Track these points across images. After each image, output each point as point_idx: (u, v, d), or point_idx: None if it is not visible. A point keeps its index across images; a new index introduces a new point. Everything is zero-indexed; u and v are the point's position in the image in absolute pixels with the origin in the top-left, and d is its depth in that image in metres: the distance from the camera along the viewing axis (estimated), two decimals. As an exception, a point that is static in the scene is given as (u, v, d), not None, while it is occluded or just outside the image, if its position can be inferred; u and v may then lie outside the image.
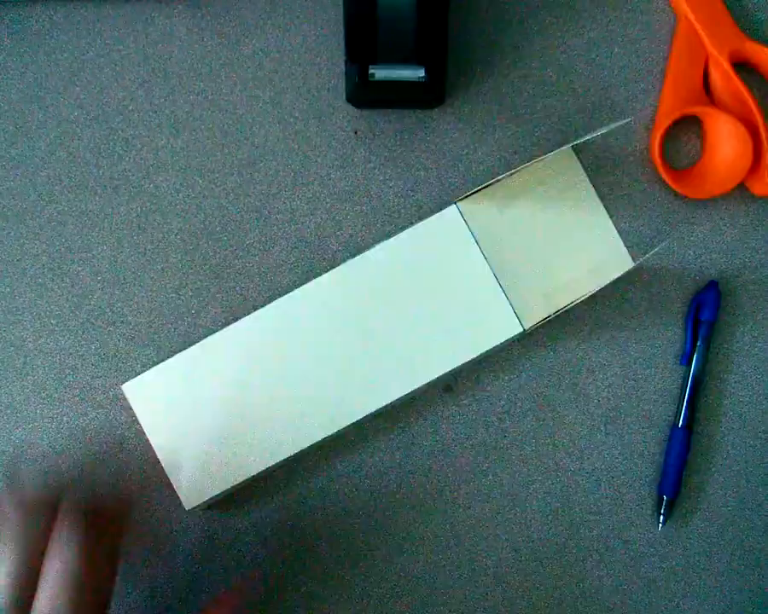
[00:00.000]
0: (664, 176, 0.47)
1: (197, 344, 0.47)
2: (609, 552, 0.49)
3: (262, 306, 0.47)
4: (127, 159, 0.48)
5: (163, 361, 0.47)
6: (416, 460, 0.49)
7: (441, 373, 0.46)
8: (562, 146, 0.48)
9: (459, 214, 0.47)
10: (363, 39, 0.42)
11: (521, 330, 0.46)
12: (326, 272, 0.47)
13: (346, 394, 0.47)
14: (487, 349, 0.46)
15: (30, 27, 0.48)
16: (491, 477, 0.49)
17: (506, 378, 0.49)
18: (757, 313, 0.49)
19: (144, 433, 0.48)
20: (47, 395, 0.49)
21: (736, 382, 0.49)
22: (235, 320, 0.48)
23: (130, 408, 0.48)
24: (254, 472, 0.47)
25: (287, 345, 0.47)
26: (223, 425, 0.47)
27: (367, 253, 0.47)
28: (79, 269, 0.48)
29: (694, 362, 0.48)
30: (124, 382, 0.48)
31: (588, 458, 0.49)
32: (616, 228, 0.48)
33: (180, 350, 0.47)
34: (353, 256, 0.47)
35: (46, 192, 0.48)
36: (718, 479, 0.49)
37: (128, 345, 0.48)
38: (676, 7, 0.47)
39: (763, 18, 0.48)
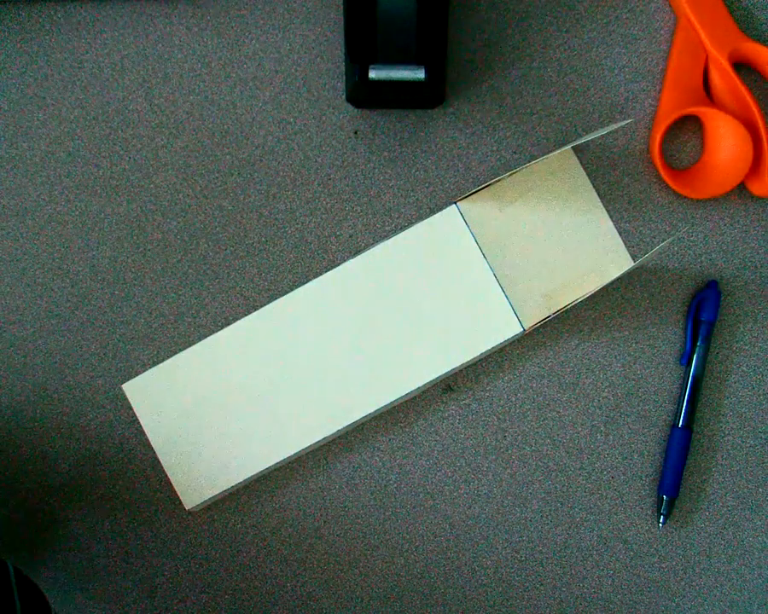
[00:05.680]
0: (664, 176, 0.47)
1: (197, 344, 0.47)
2: (609, 552, 0.49)
3: (262, 306, 0.47)
4: (127, 159, 0.48)
5: (163, 361, 0.47)
6: (416, 460, 0.49)
7: (441, 373, 0.46)
8: (562, 146, 0.48)
9: (459, 214, 0.47)
10: (363, 39, 0.42)
11: (521, 330, 0.46)
12: (326, 272, 0.47)
13: (346, 394, 0.47)
14: (487, 349, 0.46)
15: (30, 27, 0.48)
16: (491, 477, 0.49)
17: (506, 378, 0.49)
18: (757, 313, 0.49)
19: (144, 433, 0.48)
20: (47, 395, 0.49)
21: (735, 382, 0.49)
22: (235, 320, 0.48)
23: (131, 408, 0.48)
24: (254, 472, 0.47)
25: (287, 345, 0.47)
26: (223, 425, 0.47)
27: (367, 253, 0.47)
28: (79, 269, 0.48)
29: (694, 361, 0.48)
30: (124, 382, 0.48)
31: (588, 458, 0.49)
32: (616, 228, 0.48)
33: (180, 350, 0.47)
34: (353, 256, 0.47)
35: (46, 192, 0.48)
36: (718, 479, 0.49)
37: (128, 345, 0.48)
38: (676, 7, 0.47)
39: (763, 18, 0.48)
